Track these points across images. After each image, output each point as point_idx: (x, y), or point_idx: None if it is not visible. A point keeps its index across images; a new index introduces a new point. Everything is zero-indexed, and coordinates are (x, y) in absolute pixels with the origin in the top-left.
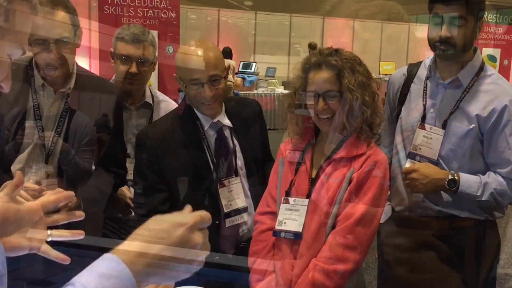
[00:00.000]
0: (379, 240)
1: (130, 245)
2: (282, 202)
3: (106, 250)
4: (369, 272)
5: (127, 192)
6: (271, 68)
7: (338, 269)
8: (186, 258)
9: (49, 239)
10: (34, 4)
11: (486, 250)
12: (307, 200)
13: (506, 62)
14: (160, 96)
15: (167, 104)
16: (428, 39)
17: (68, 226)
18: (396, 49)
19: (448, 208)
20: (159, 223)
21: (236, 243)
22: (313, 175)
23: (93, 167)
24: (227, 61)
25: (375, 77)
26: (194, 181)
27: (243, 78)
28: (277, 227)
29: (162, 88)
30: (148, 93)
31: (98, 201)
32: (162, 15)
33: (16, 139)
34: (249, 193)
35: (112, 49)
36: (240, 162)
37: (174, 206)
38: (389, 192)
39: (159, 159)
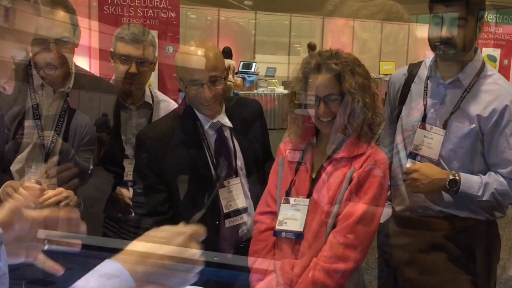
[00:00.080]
0: (379, 240)
1: (130, 252)
2: (282, 202)
3: (106, 250)
4: (369, 272)
5: (126, 192)
6: (271, 68)
7: (338, 268)
8: (184, 266)
9: (46, 248)
10: (38, 6)
11: (486, 250)
12: (308, 199)
13: (506, 62)
14: (160, 96)
15: (167, 104)
16: (429, 39)
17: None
18: (395, 49)
19: (448, 208)
20: (159, 232)
21: (235, 244)
22: (314, 175)
23: (91, 167)
24: (227, 61)
25: (375, 77)
26: (194, 182)
27: (243, 78)
28: (277, 227)
29: (162, 88)
30: (148, 93)
31: (98, 200)
32: (162, 15)
33: (16, 139)
34: (249, 194)
35: (112, 49)
36: (240, 162)
37: (174, 206)
38: (389, 192)
39: (159, 159)
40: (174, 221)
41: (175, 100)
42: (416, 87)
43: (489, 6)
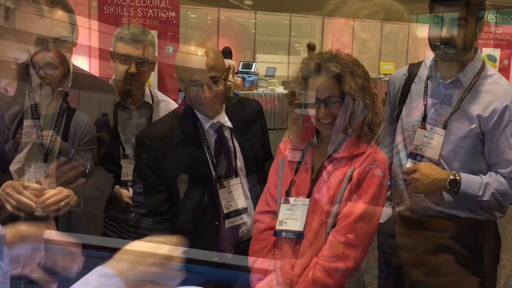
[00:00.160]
0: (379, 240)
1: (120, 258)
2: (282, 202)
3: (106, 249)
4: (369, 272)
5: (125, 191)
6: (271, 68)
7: (339, 267)
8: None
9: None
10: (41, 6)
11: (486, 249)
12: (308, 199)
13: (506, 62)
14: (160, 96)
15: (167, 104)
16: (429, 39)
17: (68, 226)
18: (395, 49)
19: (448, 208)
20: (146, 242)
21: (235, 244)
22: (314, 175)
23: (89, 166)
24: (227, 61)
25: (375, 77)
26: (193, 182)
27: (243, 78)
28: (277, 227)
29: (162, 88)
30: (147, 93)
31: (98, 199)
32: (162, 14)
33: (16, 138)
34: (249, 194)
35: (111, 49)
36: (240, 162)
37: (174, 206)
38: (389, 192)
39: (159, 159)
40: (174, 221)
41: (175, 100)
42: (416, 87)
43: (489, 6)
